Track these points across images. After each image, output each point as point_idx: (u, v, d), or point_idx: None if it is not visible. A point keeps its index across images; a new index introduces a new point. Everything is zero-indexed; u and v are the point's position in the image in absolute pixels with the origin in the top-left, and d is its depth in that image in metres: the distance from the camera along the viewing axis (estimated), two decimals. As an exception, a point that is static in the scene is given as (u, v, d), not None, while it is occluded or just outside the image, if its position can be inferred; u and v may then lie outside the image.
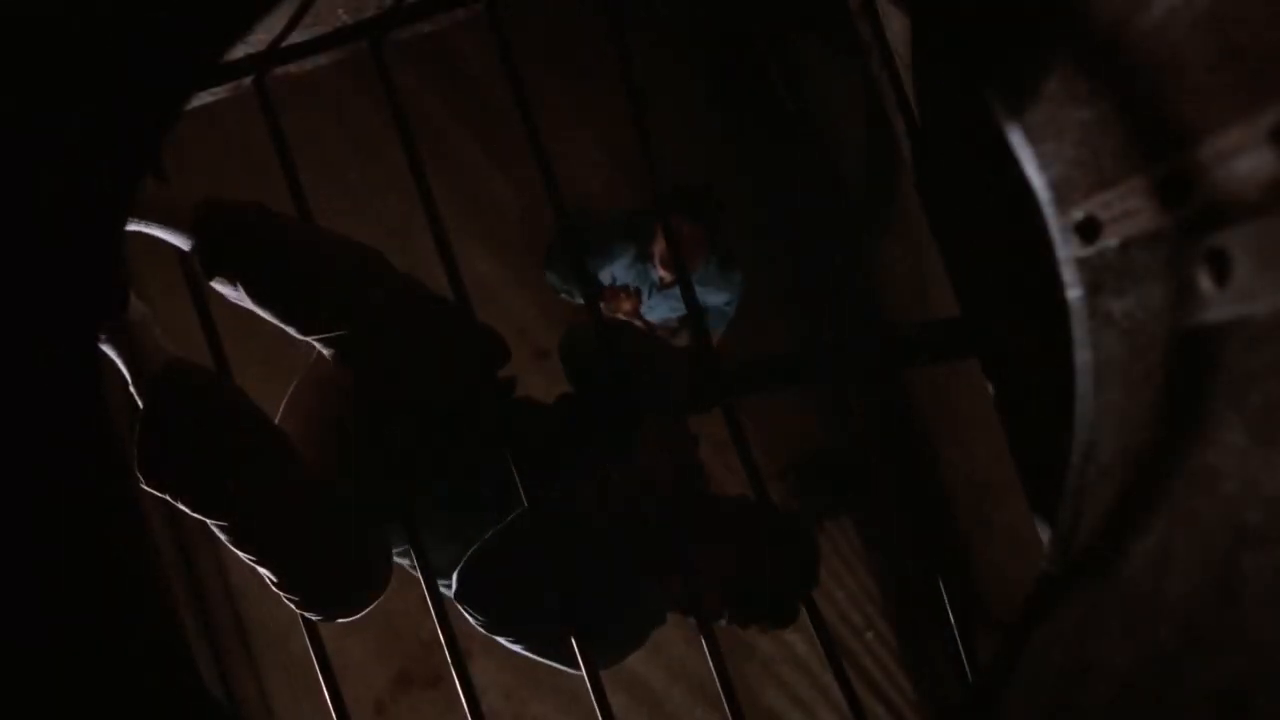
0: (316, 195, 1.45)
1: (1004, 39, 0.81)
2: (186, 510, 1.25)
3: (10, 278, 0.64)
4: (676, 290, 2.70)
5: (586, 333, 1.46)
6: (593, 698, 1.32)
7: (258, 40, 1.34)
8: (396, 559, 1.48)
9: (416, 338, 1.38)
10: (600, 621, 1.36)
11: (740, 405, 1.42)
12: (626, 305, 2.78)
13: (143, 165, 0.92)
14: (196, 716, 0.73)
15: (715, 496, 1.48)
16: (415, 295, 1.42)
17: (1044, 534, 1.12)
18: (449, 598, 1.41)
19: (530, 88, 1.40)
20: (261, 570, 1.31)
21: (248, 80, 1.44)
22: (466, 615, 1.39)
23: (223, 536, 1.28)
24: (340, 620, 1.38)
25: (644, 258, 2.76)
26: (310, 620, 1.35)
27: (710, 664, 1.34)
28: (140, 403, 1.27)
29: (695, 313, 1.46)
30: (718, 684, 1.34)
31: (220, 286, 1.34)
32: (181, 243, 1.32)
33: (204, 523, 1.27)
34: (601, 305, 1.60)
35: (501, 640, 1.40)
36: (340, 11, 1.38)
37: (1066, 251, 0.82)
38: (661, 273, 2.74)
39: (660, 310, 2.85)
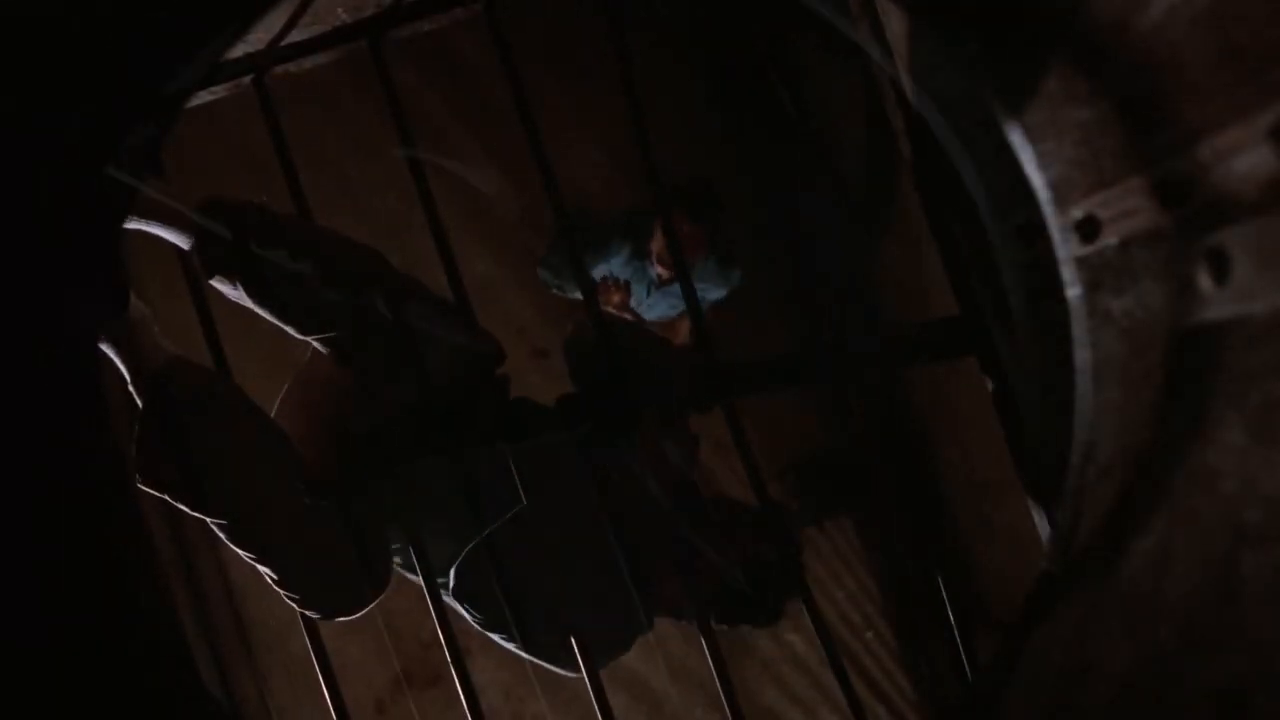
0: (316, 194, 1.45)
1: (1003, 39, 0.81)
2: (186, 510, 1.25)
3: (10, 278, 0.64)
4: (675, 288, 2.71)
5: (589, 332, 1.46)
6: (592, 697, 1.32)
7: (257, 39, 1.34)
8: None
9: (416, 338, 1.39)
10: (589, 623, 1.36)
11: (740, 405, 1.42)
12: (615, 298, 2.77)
13: (143, 165, 0.92)
14: (196, 716, 0.73)
15: (705, 499, 1.49)
16: (414, 295, 1.42)
17: (1040, 520, 1.12)
18: (448, 597, 1.41)
19: (530, 88, 1.40)
20: (262, 569, 1.32)
21: (247, 79, 1.44)
22: (463, 613, 1.39)
23: (222, 536, 1.29)
24: (340, 619, 1.38)
25: (641, 255, 2.76)
26: (310, 620, 1.35)
27: (710, 664, 1.34)
28: (140, 403, 1.28)
29: (695, 313, 1.46)
30: (717, 684, 1.34)
31: (220, 285, 1.34)
32: (181, 242, 1.32)
33: (204, 522, 1.27)
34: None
35: (496, 638, 1.40)
36: (339, 10, 1.38)
37: (1066, 250, 0.82)
38: (660, 270, 2.74)
39: (659, 308, 2.84)
